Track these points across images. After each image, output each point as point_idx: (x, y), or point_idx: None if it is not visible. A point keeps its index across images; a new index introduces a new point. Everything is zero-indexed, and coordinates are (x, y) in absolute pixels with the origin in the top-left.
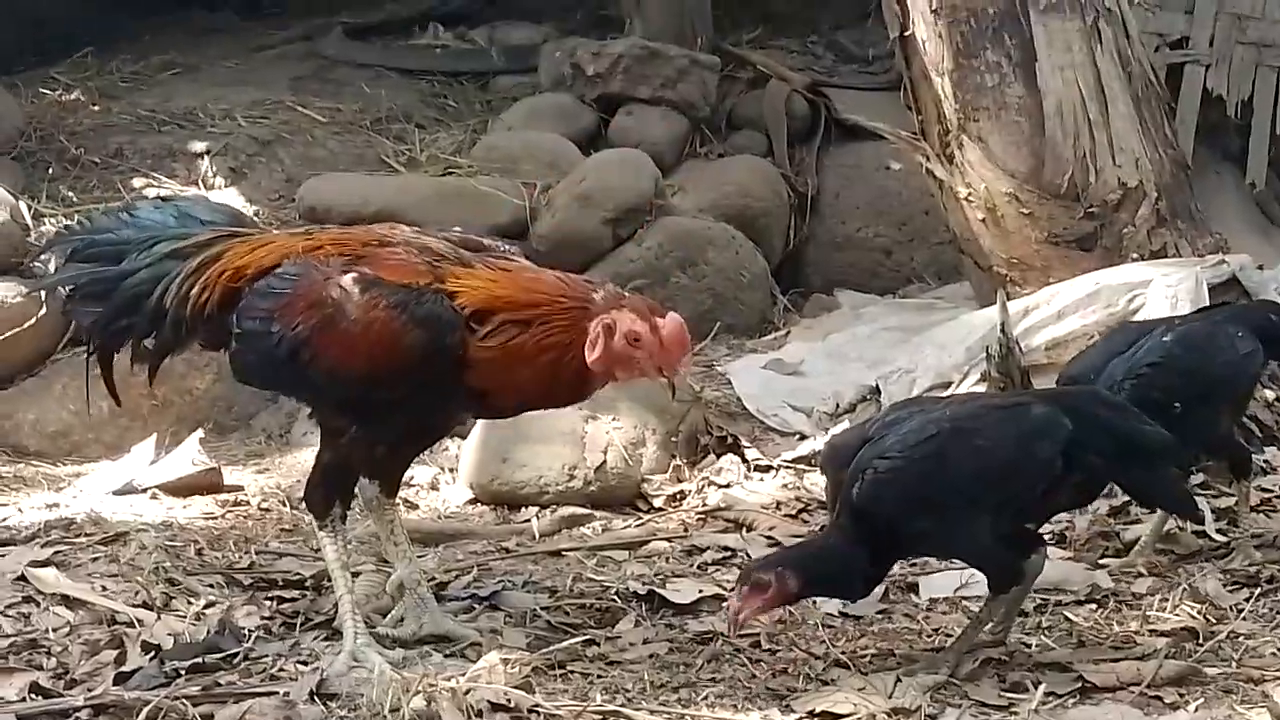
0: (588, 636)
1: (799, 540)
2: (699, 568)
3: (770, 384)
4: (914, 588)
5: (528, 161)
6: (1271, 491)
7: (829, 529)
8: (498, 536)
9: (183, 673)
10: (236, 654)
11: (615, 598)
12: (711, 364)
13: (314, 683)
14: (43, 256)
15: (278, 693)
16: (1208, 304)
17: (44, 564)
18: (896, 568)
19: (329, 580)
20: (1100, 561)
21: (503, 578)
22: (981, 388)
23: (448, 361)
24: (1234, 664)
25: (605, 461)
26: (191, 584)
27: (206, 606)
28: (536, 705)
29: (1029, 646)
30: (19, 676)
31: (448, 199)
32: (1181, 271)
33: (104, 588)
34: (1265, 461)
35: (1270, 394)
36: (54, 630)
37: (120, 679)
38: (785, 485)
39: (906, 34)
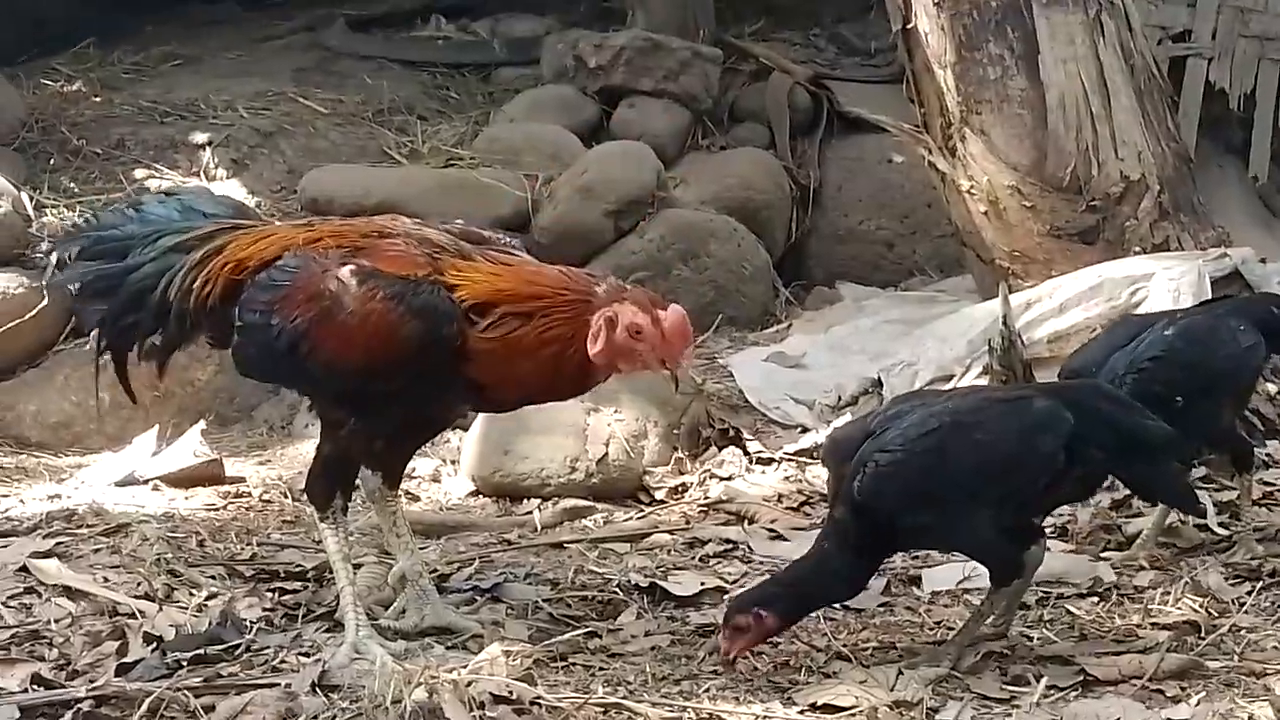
0: (589, 629)
1: (782, 569)
2: (701, 560)
3: (772, 376)
4: (916, 581)
5: (530, 153)
6: (1273, 485)
7: (825, 528)
8: (499, 529)
9: (184, 664)
10: (238, 645)
11: (617, 590)
12: (713, 357)
13: (316, 674)
14: (43, 247)
15: (279, 684)
16: (1210, 297)
17: (46, 555)
18: (899, 561)
19: (330, 572)
20: (1102, 555)
21: (504, 570)
22: (983, 381)
23: (445, 352)
24: (1236, 657)
25: (607, 454)
26: (193, 575)
27: (208, 598)
28: (538, 697)
29: (1030, 639)
30: (21, 667)
31: (450, 191)
32: (1184, 265)
33: (106, 579)
34: (1267, 455)
35: (1272, 388)
36: (56, 621)
37: (122, 670)
38: (787, 478)
39: (909, 26)
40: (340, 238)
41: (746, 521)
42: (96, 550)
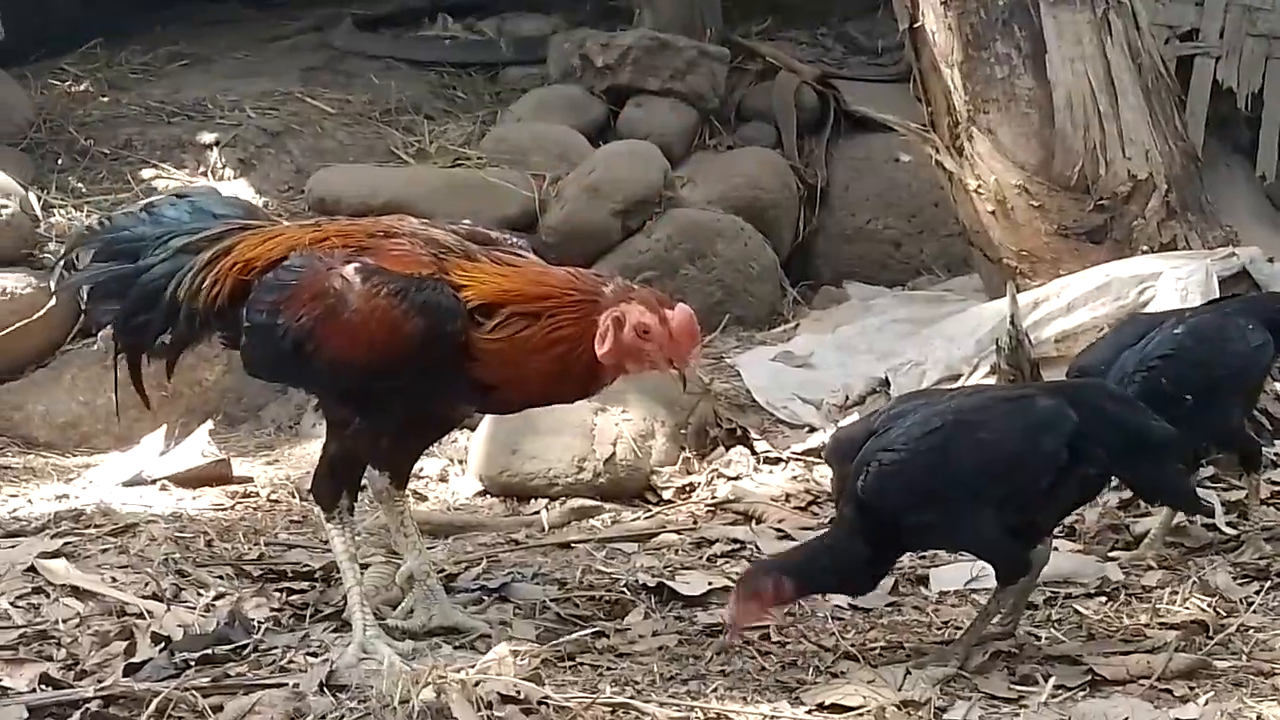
0: (597, 628)
1: (798, 544)
2: (708, 560)
3: (779, 376)
4: (924, 580)
5: (537, 153)
6: None
7: (832, 523)
8: (507, 528)
9: (192, 664)
10: (246, 645)
11: (624, 590)
12: (721, 356)
13: (323, 674)
14: (50, 248)
15: (287, 684)
16: (1217, 296)
17: (54, 555)
18: (906, 560)
19: (338, 572)
20: (1110, 554)
21: (512, 570)
22: (991, 380)
23: (449, 349)
24: (1244, 657)
25: (614, 454)
26: (201, 575)
27: (216, 598)
28: (546, 697)
29: (1038, 639)
30: (29, 667)
31: (457, 190)
32: (1192, 264)
33: (114, 579)
34: (1275, 454)
35: None
36: (64, 621)
37: (130, 670)
38: (794, 477)
39: (916, 25)
40: (346, 238)
41: (754, 521)
42: (104, 550)
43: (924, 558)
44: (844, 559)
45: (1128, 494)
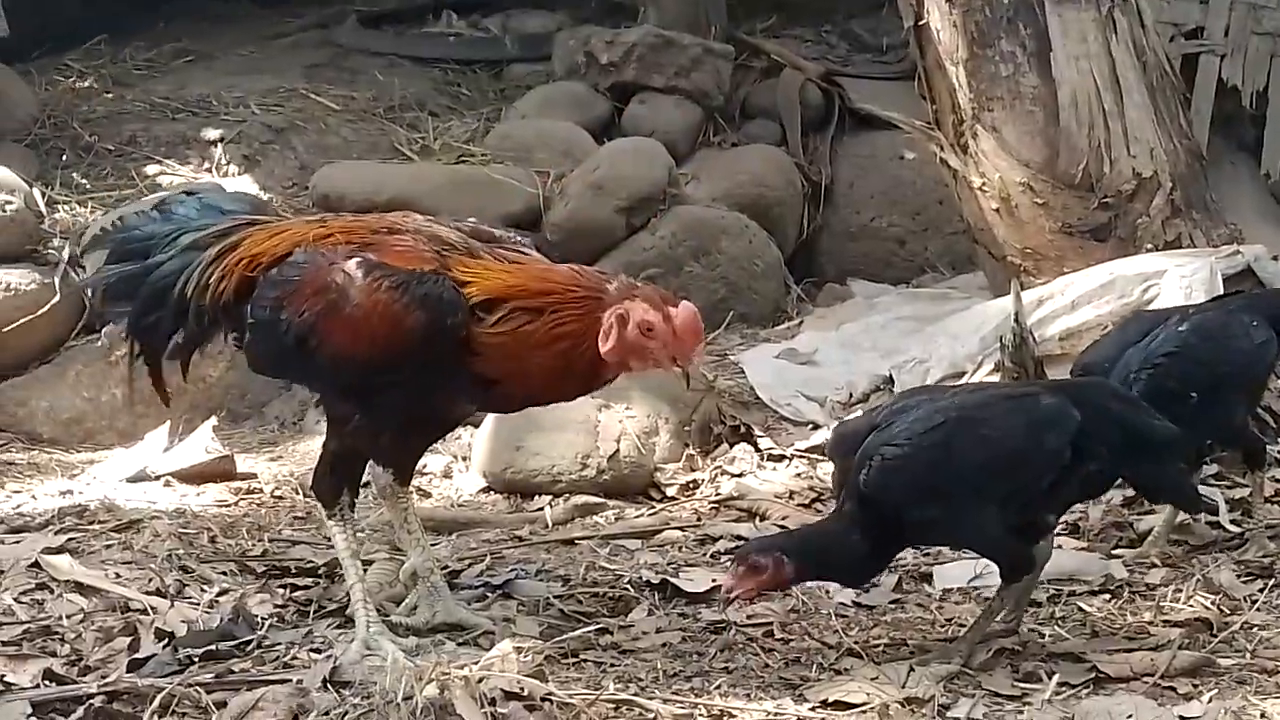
0: (601, 625)
1: (800, 526)
2: (712, 557)
3: (783, 373)
4: (927, 577)
5: (541, 150)
6: None
7: (833, 515)
8: (511, 525)
9: (196, 660)
10: (249, 642)
11: (628, 586)
12: (725, 353)
13: (327, 670)
14: (54, 244)
15: (291, 680)
16: (1222, 294)
17: (58, 551)
18: (910, 557)
19: (341, 568)
20: (1114, 552)
21: (516, 566)
22: (995, 378)
23: (450, 343)
24: (1248, 655)
25: (618, 450)
26: (204, 571)
27: (219, 594)
28: (549, 694)
29: (1042, 637)
30: (33, 663)
31: (461, 187)
32: (1196, 262)
33: (117, 575)
34: (1279, 452)
35: None
36: (68, 617)
37: (133, 666)
38: (798, 474)
39: (921, 23)
40: (350, 234)
41: (758, 518)
42: (108, 546)
43: (928, 554)
44: (843, 550)
45: (1131, 491)
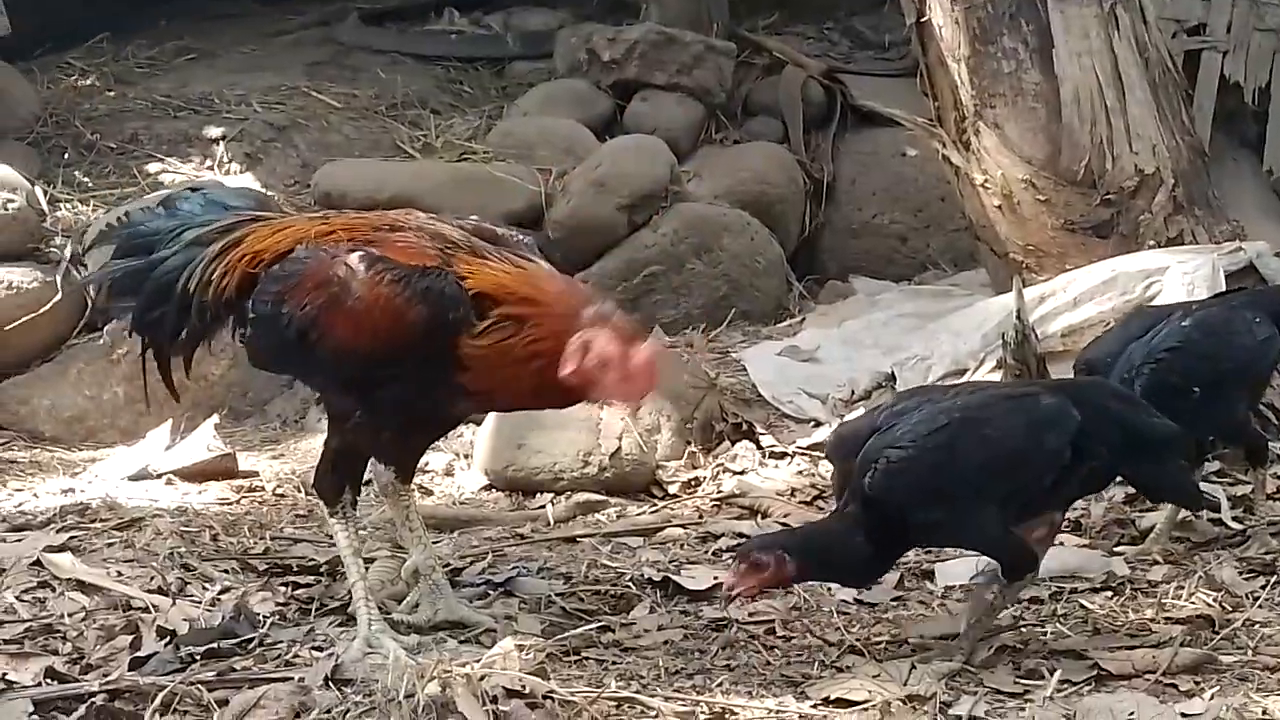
0: (602, 623)
1: (802, 525)
2: (714, 554)
3: (785, 371)
4: (929, 575)
5: (543, 147)
6: None
7: (835, 515)
8: (512, 523)
9: (197, 658)
10: (251, 639)
11: (630, 584)
12: (727, 351)
13: (329, 668)
14: (56, 242)
15: (292, 678)
16: (1224, 290)
17: (59, 549)
18: (912, 555)
19: (343, 566)
20: (1116, 549)
21: (517, 564)
22: (997, 375)
23: (451, 339)
24: (1250, 652)
25: (620, 448)
26: (206, 570)
27: (221, 592)
28: (551, 691)
29: (1044, 634)
30: (34, 661)
31: (463, 185)
32: (1198, 258)
33: (119, 573)
34: None
35: None
36: (69, 615)
37: (135, 664)
38: (800, 472)
39: (923, 20)
40: (353, 231)
41: (760, 516)
42: (110, 544)
43: (929, 552)
44: (846, 551)
45: (1133, 489)
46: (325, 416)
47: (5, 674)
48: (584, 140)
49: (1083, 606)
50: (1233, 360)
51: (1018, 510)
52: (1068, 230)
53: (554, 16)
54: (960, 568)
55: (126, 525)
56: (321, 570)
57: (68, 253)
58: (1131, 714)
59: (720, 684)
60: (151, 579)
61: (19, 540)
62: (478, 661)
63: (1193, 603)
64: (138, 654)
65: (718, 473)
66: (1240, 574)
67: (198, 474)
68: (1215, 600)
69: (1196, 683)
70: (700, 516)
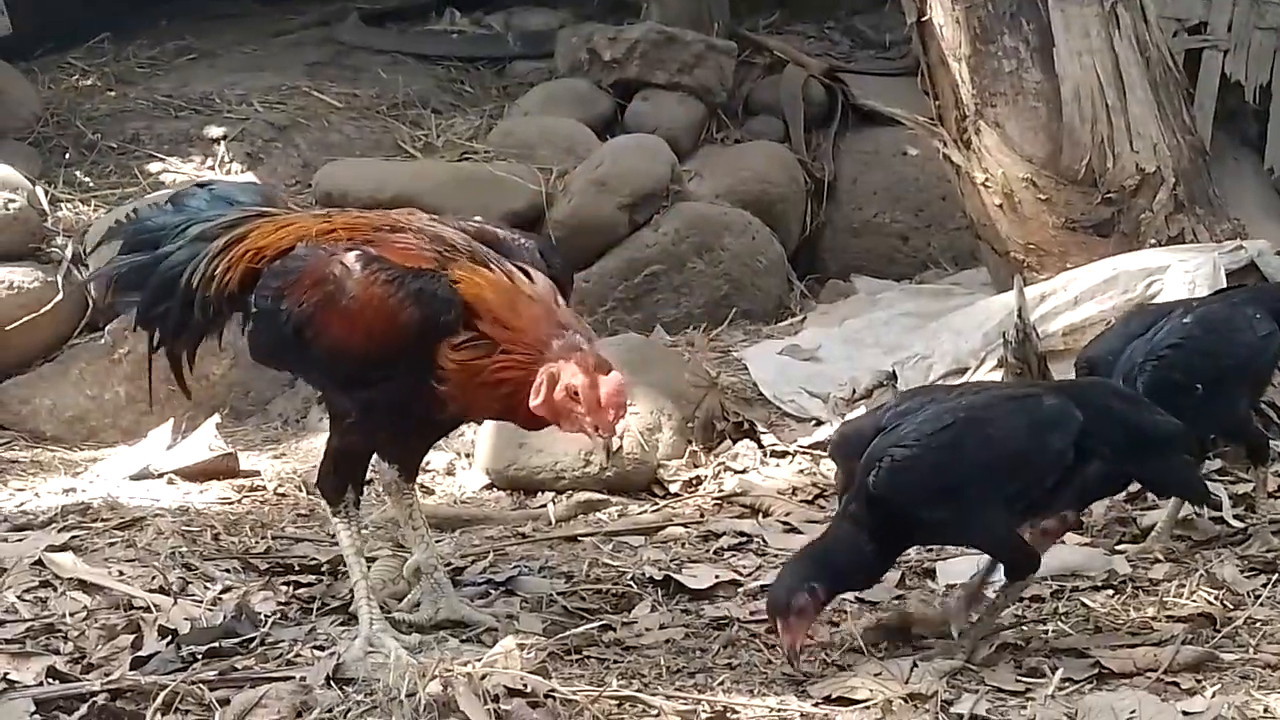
0: (604, 622)
1: (805, 551)
2: (715, 553)
3: (786, 370)
4: (931, 573)
5: (544, 147)
6: None
7: (835, 519)
8: (514, 522)
9: (199, 657)
10: (253, 639)
11: (631, 583)
12: (728, 350)
13: (330, 668)
14: (57, 242)
15: (294, 677)
16: (1225, 287)
17: (61, 549)
18: (913, 553)
19: (345, 565)
20: (1117, 547)
21: (519, 563)
22: (998, 374)
23: (439, 343)
24: (1251, 650)
25: (621, 447)
26: (208, 569)
27: (223, 591)
28: (552, 690)
29: (1046, 632)
30: (36, 661)
31: (464, 184)
32: (1199, 257)
33: (121, 572)
34: None
35: None
36: (71, 615)
37: (137, 663)
38: (801, 471)
39: (924, 19)
40: (354, 230)
41: (761, 515)
42: (111, 544)
43: (931, 550)
44: (854, 554)
45: (1135, 487)
46: (327, 416)
47: (7, 673)
48: (585, 140)
49: (1084, 604)
50: (1234, 357)
51: (1022, 510)
52: (1069, 229)
53: (555, 16)
54: (962, 565)
55: (128, 525)
56: (323, 569)
57: (69, 253)
58: (1133, 712)
59: (722, 682)
60: (153, 578)
61: (20, 540)
62: (479, 660)
63: (1194, 601)
64: (139, 653)
65: (719, 472)
66: (1241, 572)
67: (199, 473)
68: (1217, 598)
69: (1198, 681)
70: (701, 515)
